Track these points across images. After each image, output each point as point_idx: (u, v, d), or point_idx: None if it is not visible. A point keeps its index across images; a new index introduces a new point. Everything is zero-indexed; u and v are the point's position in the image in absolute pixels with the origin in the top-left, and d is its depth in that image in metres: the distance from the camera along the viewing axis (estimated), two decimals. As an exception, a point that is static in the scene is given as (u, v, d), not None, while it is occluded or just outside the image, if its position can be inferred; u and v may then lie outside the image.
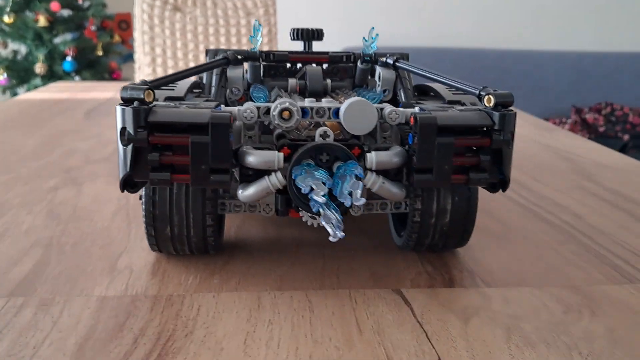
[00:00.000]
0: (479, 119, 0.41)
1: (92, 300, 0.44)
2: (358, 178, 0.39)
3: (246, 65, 0.55)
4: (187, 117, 0.39)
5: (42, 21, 2.62)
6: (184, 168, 0.40)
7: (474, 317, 0.43)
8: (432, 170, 0.41)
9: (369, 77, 0.56)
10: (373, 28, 0.54)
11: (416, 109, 0.43)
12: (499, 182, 0.43)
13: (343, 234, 0.37)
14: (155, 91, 0.41)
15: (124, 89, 0.39)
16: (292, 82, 0.55)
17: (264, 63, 0.56)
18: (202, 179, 0.40)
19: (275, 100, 0.47)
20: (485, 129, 0.41)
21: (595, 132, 2.74)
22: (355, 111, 0.42)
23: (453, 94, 0.50)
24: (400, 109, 0.43)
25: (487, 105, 0.41)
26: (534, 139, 1.04)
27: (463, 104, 0.47)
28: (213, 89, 0.50)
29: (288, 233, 0.57)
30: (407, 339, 0.40)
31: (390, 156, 0.41)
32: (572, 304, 0.45)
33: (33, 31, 2.66)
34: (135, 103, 0.39)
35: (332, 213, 0.38)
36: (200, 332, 0.40)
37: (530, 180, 0.78)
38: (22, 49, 2.81)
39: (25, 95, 1.50)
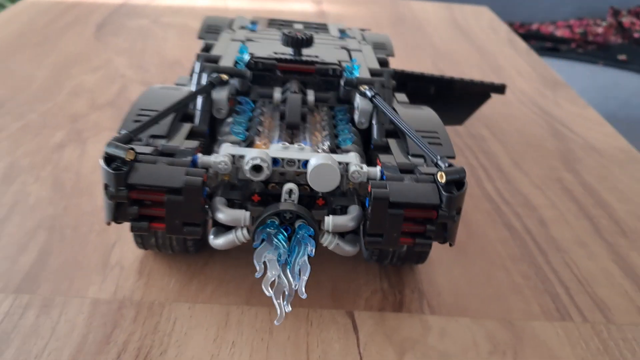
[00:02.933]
0: (428, 197, 0.44)
1: (86, 303, 0.51)
2: (312, 237, 0.45)
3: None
4: (162, 181, 0.43)
5: None
6: (161, 217, 0.45)
7: (409, 352, 0.50)
8: (383, 235, 0.46)
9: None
10: (354, 60, 0.55)
11: (376, 170, 0.47)
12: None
13: (289, 309, 0.43)
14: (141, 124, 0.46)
15: (109, 145, 0.44)
16: (276, 96, 0.58)
17: (251, 73, 0.58)
18: (176, 230, 0.45)
19: (250, 141, 0.50)
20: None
21: (629, 38, 2.64)
22: (320, 173, 0.46)
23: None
24: (363, 169, 0.47)
25: (439, 180, 0.45)
26: (534, 101, 1.05)
27: (424, 160, 0.50)
28: (198, 114, 0.53)
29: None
30: (347, 373, 0.47)
31: (346, 221, 0.46)
32: (500, 342, 0.52)
33: None
34: (117, 161, 0.43)
35: (287, 279, 0.43)
36: (173, 351, 0.48)
37: (511, 166, 0.82)
38: None
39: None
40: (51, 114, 0.84)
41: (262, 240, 0.44)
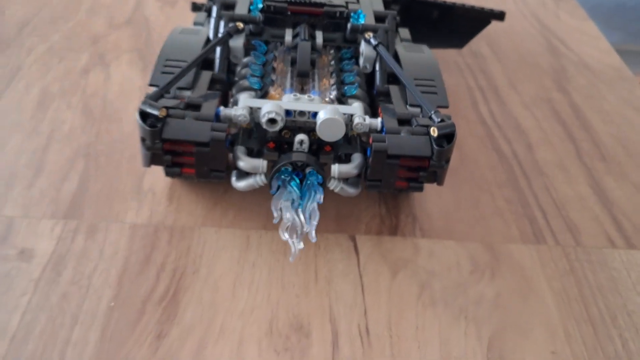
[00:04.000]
0: (421, 150, 0.51)
1: (125, 227, 0.60)
2: (320, 184, 0.52)
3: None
4: (192, 136, 0.50)
5: None
6: (191, 164, 0.52)
7: (402, 270, 0.59)
8: (381, 181, 0.53)
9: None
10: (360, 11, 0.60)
11: (377, 122, 0.54)
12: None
13: (302, 246, 0.51)
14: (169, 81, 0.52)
15: (144, 103, 0.50)
16: (288, 39, 0.63)
17: (263, 17, 0.63)
18: (204, 175, 0.53)
19: (267, 84, 0.56)
20: None
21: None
22: (327, 125, 0.52)
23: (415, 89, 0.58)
24: (365, 121, 0.53)
25: (432, 134, 0.51)
26: (534, 14, 1.07)
27: (421, 110, 0.56)
28: (217, 62, 0.59)
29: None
30: (348, 289, 0.57)
31: (350, 168, 0.53)
32: (480, 263, 0.61)
33: None
34: (151, 118, 0.50)
35: (299, 220, 0.51)
36: (204, 270, 0.57)
37: (507, 86, 0.87)
38: None
39: None
40: (74, 34, 0.89)
41: (278, 187, 0.52)
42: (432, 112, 0.53)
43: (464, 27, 0.84)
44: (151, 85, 0.55)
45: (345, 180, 0.55)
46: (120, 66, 0.83)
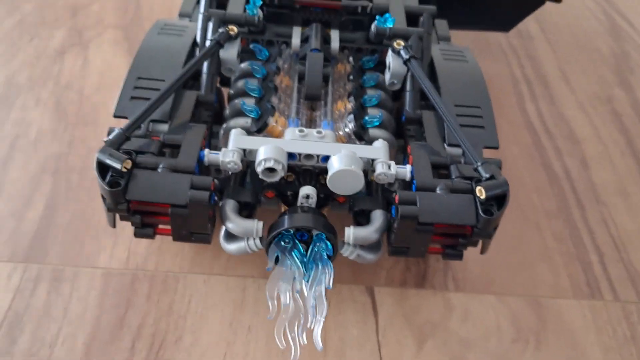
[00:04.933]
0: (463, 217, 0.39)
1: (97, 275, 0.50)
2: (330, 257, 0.41)
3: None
4: (165, 197, 0.38)
5: None
6: (167, 223, 0.41)
7: (430, 339, 0.48)
8: (409, 248, 0.42)
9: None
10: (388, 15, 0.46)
11: (406, 170, 0.42)
12: None
13: (305, 341, 0.40)
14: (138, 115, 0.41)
15: (103, 152, 0.38)
16: (295, 42, 0.50)
17: (265, 10, 0.50)
18: (184, 238, 0.42)
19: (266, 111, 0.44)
20: None
21: None
22: (340, 178, 0.41)
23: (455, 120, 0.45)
24: (390, 170, 0.41)
25: (478, 195, 0.40)
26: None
27: (463, 152, 0.44)
28: (204, 80, 0.46)
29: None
30: (364, 365, 0.47)
31: (369, 233, 0.42)
32: (524, 327, 0.50)
33: None
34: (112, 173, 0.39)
35: (302, 308, 0.40)
36: (188, 338, 0.47)
37: (558, 79, 0.73)
38: None
39: None
40: (48, 3, 0.76)
41: (277, 258, 0.41)
42: (479, 164, 0.40)
43: (512, 6, 0.69)
44: (116, 116, 0.43)
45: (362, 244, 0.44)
46: (101, 47, 0.70)
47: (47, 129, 0.61)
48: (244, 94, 0.47)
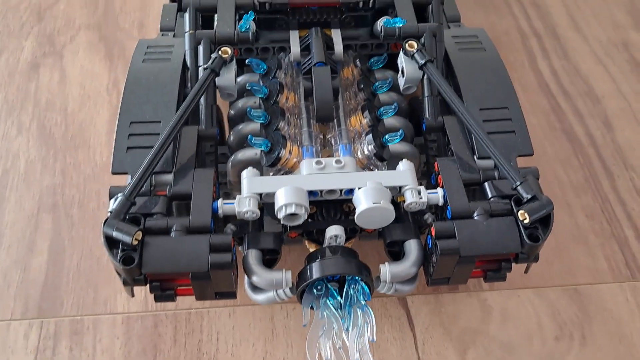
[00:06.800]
0: (507, 245, 0.36)
1: (118, 322, 0.47)
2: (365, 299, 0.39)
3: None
4: (184, 266, 0.35)
5: None
6: (188, 286, 0.38)
7: (471, 347, 0.47)
8: (449, 279, 0.39)
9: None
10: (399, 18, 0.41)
11: (438, 196, 0.38)
12: None
13: None
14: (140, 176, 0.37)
15: (109, 225, 0.35)
16: (295, 50, 0.45)
17: (258, 16, 0.45)
18: (208, 297, 0.39)
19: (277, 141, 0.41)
20: None
21: None
22: (369, 216, 0.37)
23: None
24: (421, 198, 0.38)
25: (520, 219, 0.37)
26: None
27: (494, 165, 0.40)
28: (202, 114, 0.42)
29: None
30: (408, 386, 0.45)
31: (406, 268, 0.39)
32: (567, 321, 0.48)
33: None
34: (123, 247, 0.35)
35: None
36: (223, 381, 0.45)
37: (569, 27, 0.68)
38: None
39: None
40: (10, 6, 0.69)
41: (311, 308, 0.38)
42: (519, 184, 0.37)
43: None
44: (115, 173, 0.39)
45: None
46: (77, 54, 0.65)
47: (36, 159, 0.56)
48: (246, 116, 0.43)
